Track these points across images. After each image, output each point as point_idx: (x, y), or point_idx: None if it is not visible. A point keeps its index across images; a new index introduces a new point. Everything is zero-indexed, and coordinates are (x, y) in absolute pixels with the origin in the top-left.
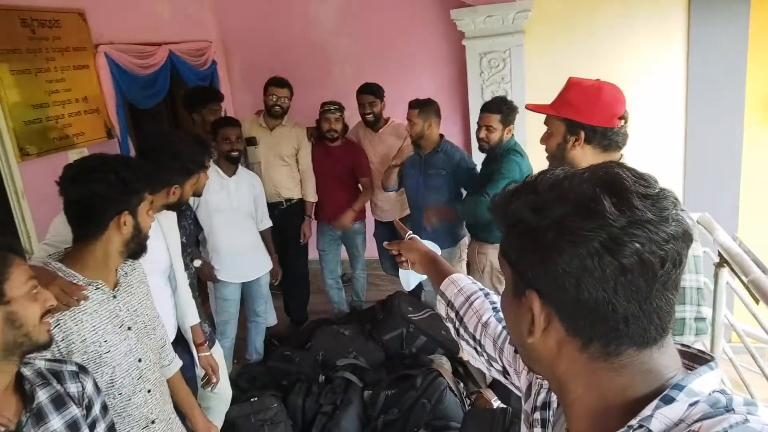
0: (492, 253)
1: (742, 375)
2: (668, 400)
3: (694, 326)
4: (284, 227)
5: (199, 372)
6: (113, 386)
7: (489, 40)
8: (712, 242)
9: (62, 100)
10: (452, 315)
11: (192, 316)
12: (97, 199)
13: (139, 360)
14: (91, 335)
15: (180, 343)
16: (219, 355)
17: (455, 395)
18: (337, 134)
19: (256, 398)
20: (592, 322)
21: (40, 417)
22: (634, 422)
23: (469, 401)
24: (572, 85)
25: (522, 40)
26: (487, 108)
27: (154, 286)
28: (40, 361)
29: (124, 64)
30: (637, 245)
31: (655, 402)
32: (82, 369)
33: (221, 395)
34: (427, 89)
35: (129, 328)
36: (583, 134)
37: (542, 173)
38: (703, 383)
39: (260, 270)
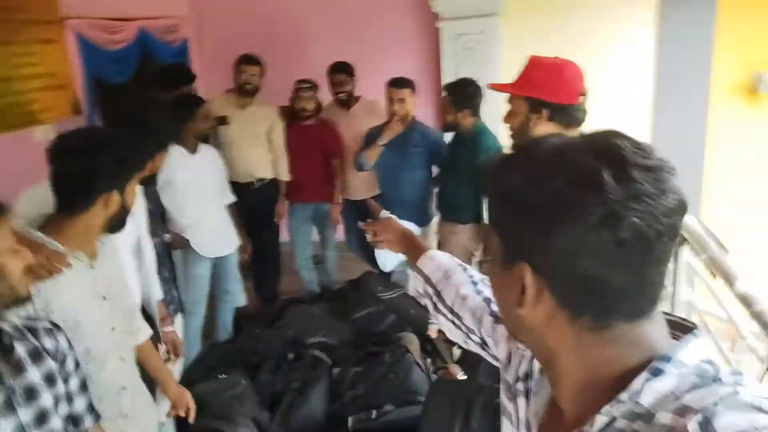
0: (463, 234)
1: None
2: (657, 372)
3: None
4: (257, 207)
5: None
6: (89, 353)
7: (463, 21)
8: None
9: (27, 75)
10: (429, 290)
11: (157, 291)
12: (94, 174)
13: (113, 328)
14: (70, 304)
15: (146, 319)
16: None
17: (422, 370)
18: (309, 113)
19: (224, 375)
20: (584, 295)
21: (18, 369)
22: (624, 396)
23: (436, 376)
24: (534, 63)
25: (497, 22)
26: (449, 89)
27: (122, 260)
28: (15, 318)
29: (94, 39)
30: (636, 219)
31: (644, 375)
32: (56, 326)
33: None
34: (401, 69)
35: (104, 298)
36: (546, 112)
37: (536, 141)
38: (690, 353)
39: (231, 246)
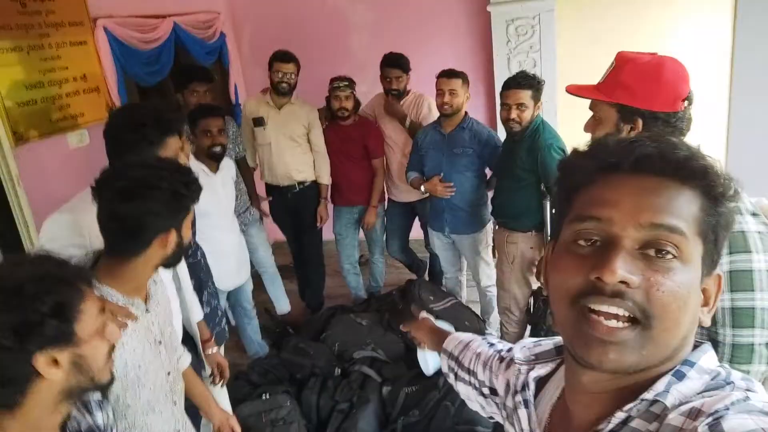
0: (523, 242)
1: None
2: (680, 376)
3: (765, 353)
4: (298, 210)
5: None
6: (149, 405)
7: (517, 5)
8: None
9: (59, 79)
10: (452, 364)
11: (197, 312)
12: (150, 217)
13: (168, 373)
14: (132, 357)
15: (186, 342)
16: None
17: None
18: (348, 112)
19: (268, 395)
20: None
21: None
22: (649, 396)
23: None
24: (625, 62)
25: (553, 4)
26: (516, 83)
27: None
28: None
29: (125, 39)
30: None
31: (667, 377)
32: (105, 397)
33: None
34: (449, 59)
35: (160, 342)
36: (640, 122)
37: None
38: (709, 359)
39: (245, 274)
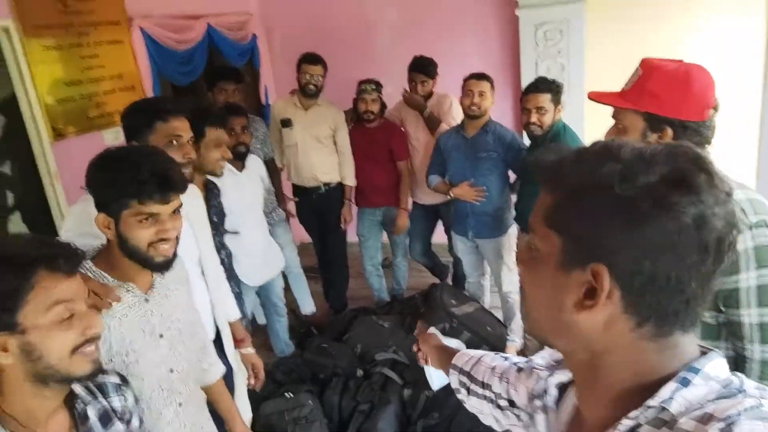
0: None
1: None
2: (685, 383)
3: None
4: (323, 212)
5: (237, 371)
6: (141, 400)
7: (545, 9)
8: None
9: (96, 77)
10: (464, 379)
11: (233, 310)
12: (91, 190)
13: (171, 370)
14: (118, 343)
15: (215, 342)
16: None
17: None
18: (374, 115)
19: (291, 394)
20: (657, 300)
21: None
22: (654, 403)
23: None
24: (652, 69)
25: (582, 9)
26: (536, 87)
27: (190, 287)
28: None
29: (160, 39)
30: (719, 225)
31: (673, 384)
32: (124, 380)
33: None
34: (475, 63)
35: (161, 336)
36: (670, 131)
37: (615, 142)
38: (716, 367)
39: (275, 269)
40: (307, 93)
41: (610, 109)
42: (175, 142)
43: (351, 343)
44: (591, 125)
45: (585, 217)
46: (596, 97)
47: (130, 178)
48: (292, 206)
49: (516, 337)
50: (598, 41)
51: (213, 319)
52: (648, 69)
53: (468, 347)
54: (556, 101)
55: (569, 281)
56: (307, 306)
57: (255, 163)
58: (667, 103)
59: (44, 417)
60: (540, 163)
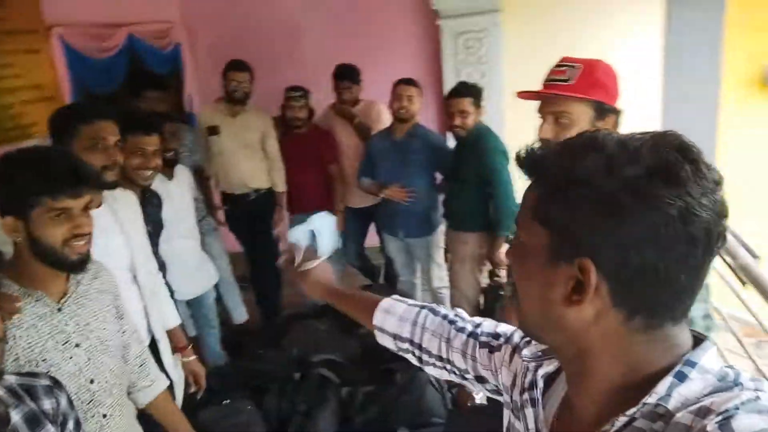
0: (473, 242)
1: (727, 359)
2: (682, 378)
3: (702, 324)
4: (254, 218)
5: (176, 381)
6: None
7: (464, 19)
8: None
9: (11, 88)
10: (405, 346)
11: (172, 317)
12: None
13: (92, 381)
14: (26, 353)
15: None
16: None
17: (436, 389)
18: (301, 122)
19: (228, 401)
20: (645, 293)
21: None
22: (651, 400)
23: (450, 395)
24: (593, 63)
25: (498, 19)
26: (458, 92)
27: (120, 293)
28: (11, 377)
29: (80, 48)
30: (707, 217)
31: (669, 379)
32: (56, 383)
33: None
34: (400, 70)
35: (77, 345)
36: (613, 118)
37: (598, 133)
38: (711, 359)
39: (207, 283)
40: (234, 100)
41: (530, 111)
42: (99, 145)
43: (287, 348)
44: (511, 126)
45: (570, 211)
46: (529, 96)
47: (38, 174)
48: (221, 215)
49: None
50: (516, 48)
51: (147, 326)
52: (588, 63)
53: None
54: (477, 104)
55: (557, 276)
56: (240, 315)
57: (183, 172)
58: (611, 92)
59: None
60: (526, 158)
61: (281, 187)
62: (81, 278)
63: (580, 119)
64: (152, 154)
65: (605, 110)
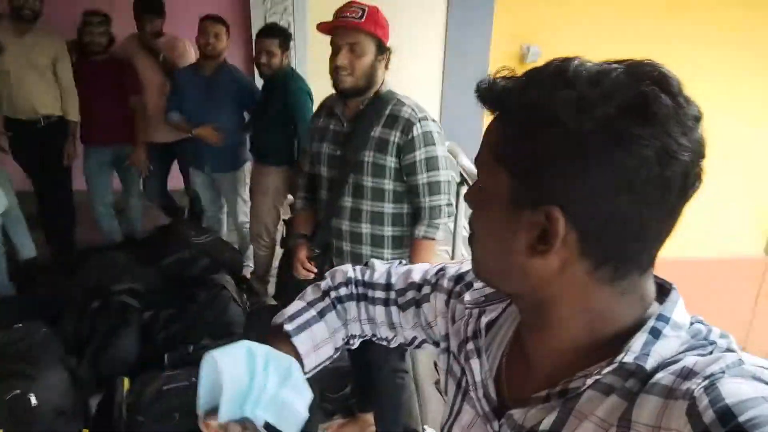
0: (276, 176)
1: None
2: (657, 334)
3: (446, 211)
4: (43, 148)
5: None
6: None
7: None
8: (456, 165)
9: None
10: (333, 353)
11: None
12: None
13: None
14: None
15: None
16: None
17: (239, 306)
18: (100, 48)
19: (20, 325)
20: (615, 243)
21: None
22: (628, 359)
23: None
24: (375, 9)
25: None
26: (265, 33)
27: None
28: None
29: None
30: (686, 158)
31: (644, 336)
32: None
33: None
34: (207, 8)
35: None
36: (387, 56)
37: (566, 64)
38: (681, 312)
39: None
40: (21, 17)
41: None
42: None
43: (84, 279)
44: (313, 71)
45: (536, 153)
46: (332, 25)
47: None
48: (5, 142)
49: (250, 263)
50: (321, 2)
51: None
52: (373, 8)
53: (207, 271)
54: (285, 47)
55: (520, 223)
56: (29, 250)
57: None
58: (387, 34)
59: None
60: (488, 90)
61: (74, 116)
62: None
63: (369, 51)
64: None
65: (383, 48)
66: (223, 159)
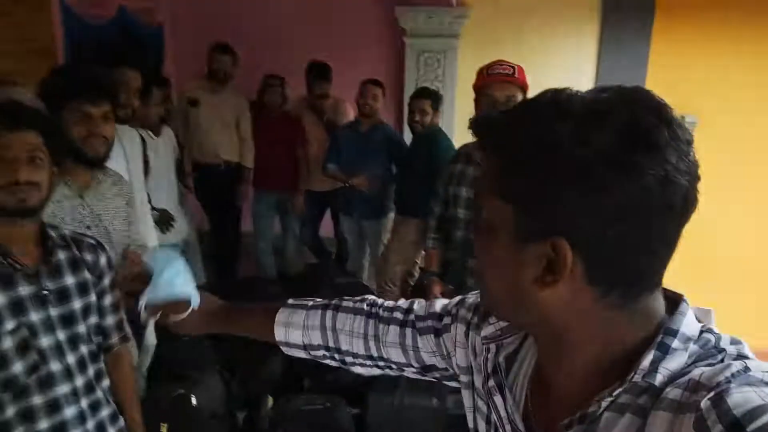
0: (414, 227)
1: None
2: (665, 349)
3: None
4: (222, 188)
5: None
6: None
7: (427, 39)
8: None
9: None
10: (320, 353)
11: (150, 240)
12: None
13: None
14: (48, 220)
15: None
16: None
17: None
18: (276, 107)
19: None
20: (622, 269)
21: (57, 272)
22: (638, 378)
23: None
24: (519, 66)
25: (457, 43)
26: (421, 93)
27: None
28: (66, 230)
29: (77, 9)
30: (685, 182)
31: (652, 353)
32: (100, 245)
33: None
34: (366, 73)
35: (88, 227)
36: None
37: (559, 94)
38: (690, 323)
39: (174, 236)
40: (217, 78)
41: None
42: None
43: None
44: (458, 135)
45: (537, 185)
46: (489, 80)
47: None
48: (190, 182)
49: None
50: (468, 70)
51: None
52: (520, 66)
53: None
54: (436, 108)
55: (526, 256)
56: (199, 277)
57: (169, 132)
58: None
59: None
60: (483, 121)
61: (249, 163)
62: (102, 179)
63: (518, 100)
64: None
65: (525, 96)
66: (371, 207)
